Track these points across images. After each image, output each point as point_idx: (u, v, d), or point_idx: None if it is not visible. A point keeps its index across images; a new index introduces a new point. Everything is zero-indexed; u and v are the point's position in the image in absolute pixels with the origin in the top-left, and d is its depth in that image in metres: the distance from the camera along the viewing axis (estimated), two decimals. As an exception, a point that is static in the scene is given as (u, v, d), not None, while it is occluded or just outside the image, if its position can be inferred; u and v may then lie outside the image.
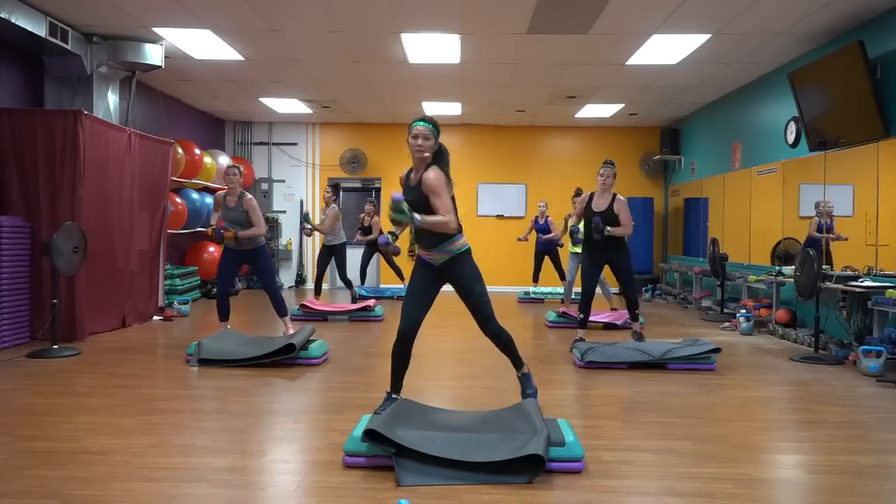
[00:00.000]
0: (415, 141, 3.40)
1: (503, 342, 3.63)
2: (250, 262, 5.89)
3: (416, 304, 3.53)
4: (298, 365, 5.01)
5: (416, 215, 3.34)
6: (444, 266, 3.52)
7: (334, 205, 8.27)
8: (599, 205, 5.56)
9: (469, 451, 2.87)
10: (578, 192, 7.86)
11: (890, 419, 3.85)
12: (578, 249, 7.71)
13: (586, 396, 4.34)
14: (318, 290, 8.32)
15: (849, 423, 3.76)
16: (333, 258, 8.22)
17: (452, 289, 3.56)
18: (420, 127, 3.40)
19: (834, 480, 2.88)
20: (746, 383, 4.71)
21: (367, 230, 9.26)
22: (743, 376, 4.92)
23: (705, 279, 9.07)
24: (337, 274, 8.44)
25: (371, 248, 9.35)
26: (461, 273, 3.52)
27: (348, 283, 8.51)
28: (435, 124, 3.45)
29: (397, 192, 3.47)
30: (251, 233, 5.66)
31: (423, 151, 3.40)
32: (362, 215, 9.34)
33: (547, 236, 8.93)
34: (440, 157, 3.48)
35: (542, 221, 9.07)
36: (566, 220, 8.14)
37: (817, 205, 6.62)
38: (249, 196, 5.74)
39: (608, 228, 5.43)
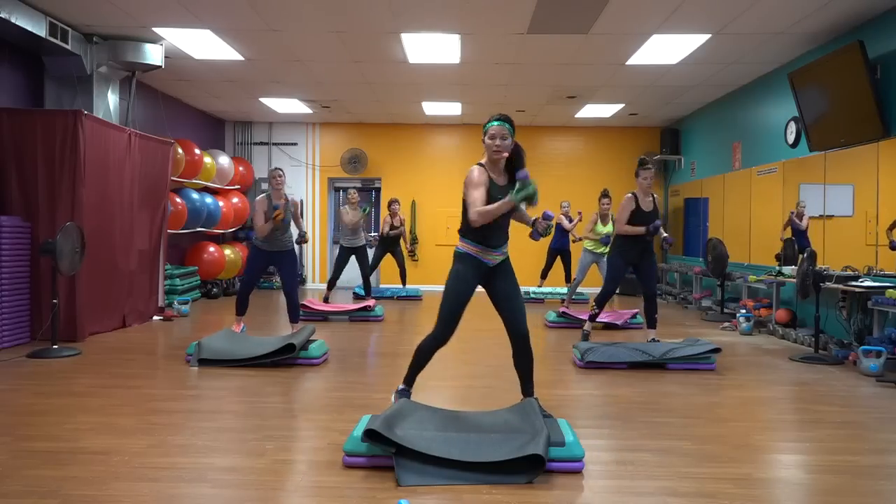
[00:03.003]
0: (492, 142, 3.31)
1: (529, 353, 3.49)
2: (282, 264, 5.95)
3: (461, 312, 3.43)
4: (298, 365, 5.01)
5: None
6: (499, 266, 3.48)
7: (360, 207, 8.38)
8: (647, 205, 5.68)
9: (469, 451, 2.87)
10: (606, 193, 7.86)
11: (890, 419, 3.85)
12: (597, 248, 7.70)
13: (586, 396, 4.34)
14: (331, 286, 8.35)
15: (849, 423, 3.76)
16: (356, 259, 8.29)
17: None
18: (497, 127, 3.31)
19: (834, 480, 2.88)
20: (746, 383, 4.71)
21: (395, 231, 9.23)
22: (743, 376, 4.92)
23: (705, 279, 9.07)
24: (360, 275, 8.53)
25: (384, 250, 9.36)
26: (510, 272, 3.52)
27: (368, 287, 8.55)
28: (511, 123, 3.35)
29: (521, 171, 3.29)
30: (301, 223, 6.14)
31: (501, 151, 3.32)
32: (387, 216, 9.31)
33: (570, 226, 9.00)
34: (518, 157, 3.40)
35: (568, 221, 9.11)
36: (594, 223, 7.90)
37: (798, 203, 6.99)
38: (292, 198, 6.04)
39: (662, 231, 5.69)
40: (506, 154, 3.33)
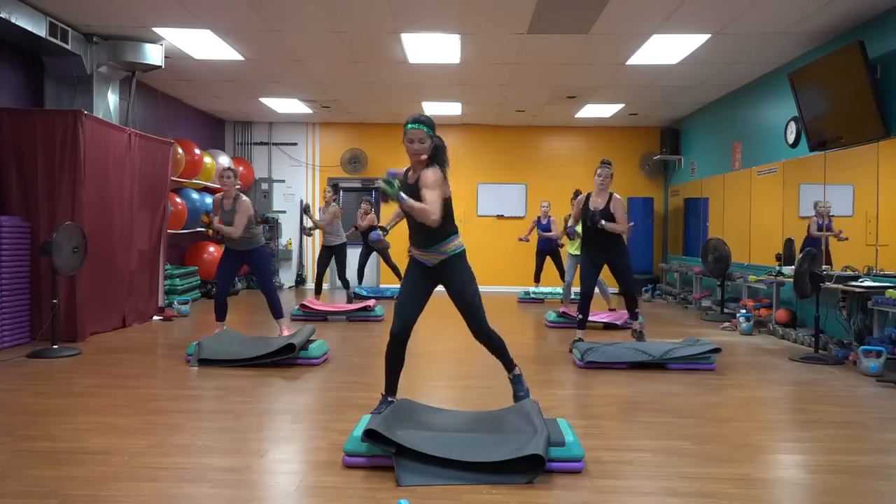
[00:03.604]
0: (411, 145, 3.38)
1: (494, 345, 3.61)
2: (250, 263, 5.89)
3: (409, 305, 3.51)
4: (298, 365, 5.00)
5: (403, 194, 3.28)
6: (438, 267, 3.50)
7: (334, 203, 8.31)
8: (597, 204, 5.59)
9: (469, 452, 2.87)
10: (577, 194, 7.84)
11: (890, 419, 3.85)
12: (577, 251, 7.73)
13: (586, 396, 4.34)
14: (318, 290, 8.34)
15: (849, 423, 3.76)
16: (334, 258, 8.25)
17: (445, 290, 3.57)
18: (413, 130, 3.37)
19: (834, 480, 2.88)
20: (746, 383, 4.71)
21: (365, 232, 9.23)
22: (743, 376, 4.92)
23: (705, 279, 9.07)
24: (336, 274, 8.46)
25: (369, 248, 9.34)
26: (455, 275, 3.50)
27: (346, 284, 8.53)
28: (428, 124, 3.40)
29: (396, 168, 3.50)
30: (226, 230, 5.63)
31: (419, 154, 3.39)
32: (360, 213, 9.32)
33: (547, 234, 8.94)
34: (438, 154, 3.46)
35: (544, 221, 9.06)
36: (565, 221, 8.20)
37: (816, 204, 6.69)
38: (244, 199, 5.77)
39: (602, 221, 5.45)
40: (423, 156, 3.40)
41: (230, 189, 5.79)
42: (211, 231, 5.67)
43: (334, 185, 8.92)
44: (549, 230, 8.96)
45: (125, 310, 6.85)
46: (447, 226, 3.45)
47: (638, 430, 3.54)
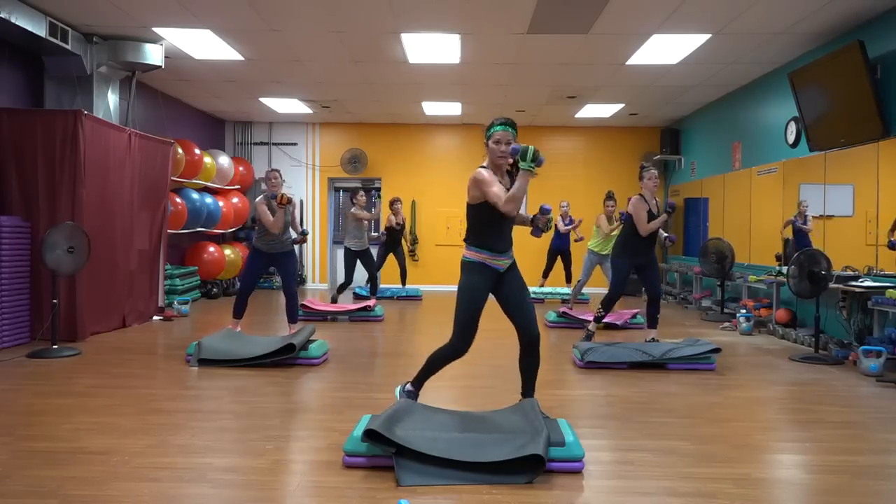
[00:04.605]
0: (497, 146, 3.30)
1: (536, 356, 3.47)
2: (281, 264, 5.90)
3: (478, 322, 3.40)
4: (298, 365, 5.01)
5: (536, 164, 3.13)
6: (507, 270, 3.45)
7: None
8: (654, 206, 5.70)
9: (469, 452, 2.87)
10: (611, 195, 7.88)
11: (890, 419, 3.85)
12: (598, 248, 7.73)
13: (586, 396, 4.35)
14: (342, 290, 8.35)
15: (849, 423, 3.76)
16: (360, 261, 8.30)
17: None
18: (503, 132, 3.30)
19: (834, 480, 2.88)
20: (746, 383, 4.71)
21: (396, 230, 9.30)
22: (743, 376, 4.92)
23: (705, 279, 9.07)
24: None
25: (387, 250, 9.38)
26: (518, 275, 3.49)
27: (376, 285, 8.62)
28: (514, 127, 3.35)
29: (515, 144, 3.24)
30: (296, 222, 6.06)
31: (507, 157, 3.31)
32: (391, 216, 9.33)
33: (567, 228, 9.01)
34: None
35: (566, 221, 9.08)
36: (604, 223, 7.79)
37: (800, 204, 6.94)
38: (291, 197, 5.97)
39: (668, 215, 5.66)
40: (511, 159, 3.33)
41: (279, 189, 5.89)
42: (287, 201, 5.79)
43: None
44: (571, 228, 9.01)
45: (125, 310, 6.85)
46: None
47: (638, 430, 3.54)
